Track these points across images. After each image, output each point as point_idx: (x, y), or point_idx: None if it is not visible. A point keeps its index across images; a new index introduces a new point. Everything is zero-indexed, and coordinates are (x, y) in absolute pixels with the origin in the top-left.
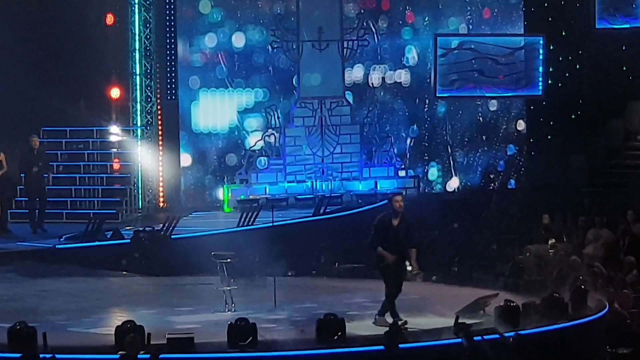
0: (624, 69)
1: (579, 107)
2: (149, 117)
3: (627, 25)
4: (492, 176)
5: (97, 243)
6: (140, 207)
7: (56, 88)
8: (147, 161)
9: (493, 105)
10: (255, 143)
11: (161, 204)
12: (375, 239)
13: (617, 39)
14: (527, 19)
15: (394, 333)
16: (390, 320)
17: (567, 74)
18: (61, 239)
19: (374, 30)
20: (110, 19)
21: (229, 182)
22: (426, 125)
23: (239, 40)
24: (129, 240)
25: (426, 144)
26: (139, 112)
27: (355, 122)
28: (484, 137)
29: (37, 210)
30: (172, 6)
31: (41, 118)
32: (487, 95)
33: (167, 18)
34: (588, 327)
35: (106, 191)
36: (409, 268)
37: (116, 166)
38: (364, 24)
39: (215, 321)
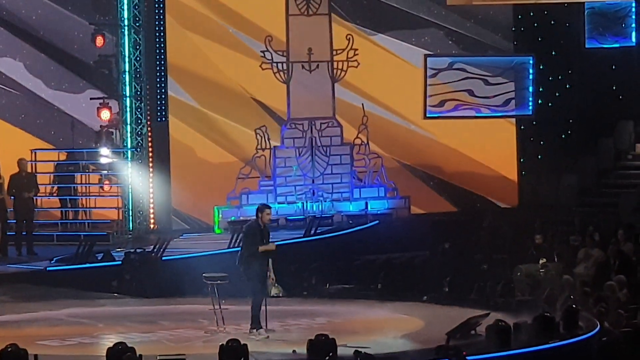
0: (614, 88)
1: (569, 126)
2: (139, 138)
3: (617, 45)
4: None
5: (88, 265)
6: (130, 228)
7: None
8: (138, 183)
9: None
10: (245, 164)
11: (152, 226)
12: (252, 244)
13: (607, 58)
14: (517, 38)
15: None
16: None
17: (557, 94)
18: (52, 262)
19: None
20: (100, 40)
21: (220, 204)
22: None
23: None
24: (120, 262)
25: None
26: (129, 134)
27: (345, 142)
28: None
29: (23, 233)
30: (162, 28)
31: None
32: (477, 115)
33: (157, 40)
34: (579, 346)
35: (96, 213)
36: (272, 277)
37: (106, 188)
38: (354, 44)
39: (207, 342)
